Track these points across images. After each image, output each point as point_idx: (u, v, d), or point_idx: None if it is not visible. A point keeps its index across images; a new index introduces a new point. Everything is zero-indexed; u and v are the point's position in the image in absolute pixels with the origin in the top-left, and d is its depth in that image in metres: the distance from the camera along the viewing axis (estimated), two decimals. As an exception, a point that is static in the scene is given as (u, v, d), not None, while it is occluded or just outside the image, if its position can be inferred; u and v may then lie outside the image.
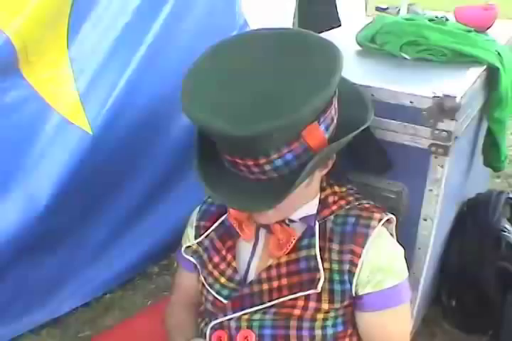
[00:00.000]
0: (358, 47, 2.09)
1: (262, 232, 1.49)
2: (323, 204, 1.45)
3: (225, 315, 1.44)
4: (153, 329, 1.75)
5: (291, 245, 1.40)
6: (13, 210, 2.18)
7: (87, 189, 2.34)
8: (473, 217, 2.25)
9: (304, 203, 1.43)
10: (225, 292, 1.47)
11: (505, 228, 2.23)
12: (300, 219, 1.44)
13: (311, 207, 1.44)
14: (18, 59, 2.06)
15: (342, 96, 1.36)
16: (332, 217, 1.43)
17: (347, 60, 2.03)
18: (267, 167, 1.22)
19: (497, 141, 2.03)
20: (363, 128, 1.34)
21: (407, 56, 1.93)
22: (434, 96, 1.53)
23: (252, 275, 1.47)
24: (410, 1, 2.71)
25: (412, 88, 1.60)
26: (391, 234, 1.49)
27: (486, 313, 2.23)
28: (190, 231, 1.63)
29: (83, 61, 2.23)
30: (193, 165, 1.31)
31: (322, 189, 1.47)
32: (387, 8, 2.84)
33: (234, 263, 1.49)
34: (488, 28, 2.23)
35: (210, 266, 1.53)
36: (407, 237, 1.73)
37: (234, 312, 1.43)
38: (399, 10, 2.70)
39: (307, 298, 1.37)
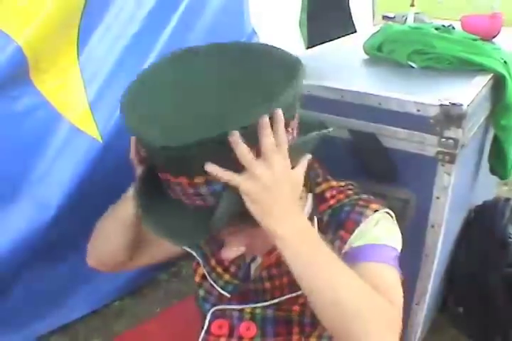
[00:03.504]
0: (365, 56, 2.10)
1: None
2: (320, 199, 1.39)
3: (229, 304, 1.44)
4: (164, 336, 1.76)
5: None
6: (23, 218, 2.19)
7: (96, 196, 2.35)
8: (480, 224, 2.25)
9: None
10: (229, 287, 1.45)
11: (513, 235, 2.24)
12: None
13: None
14: (29, 67, 2.08)
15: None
16: (330, 210, 1.36)
17: (354, 69, 2.07)
18: (203, 189, 1.09)
19: (503, 148, 2.04)
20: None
21: (413, 64, 1.94)
22: (441, 105, 1.54)
23: (252, 272, 1.45)
24: (417, 10, 2.73)
25: (418, 96, 1.61)
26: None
27: (494, 320, 2.23)
28: None
29: (93, 69, 2.25)
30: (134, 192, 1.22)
31: (317, 184, 1.41)
32: (394, 17, 2.85)
33: (237, 260, 1.44)
34: (494, 37, 2.25)
35: (213, 262, 1.49)
36: (414, 244, 1.75)
37: (238, 304, 1.43)
38: (406, 19, 2.72)
39: None
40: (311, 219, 1.34)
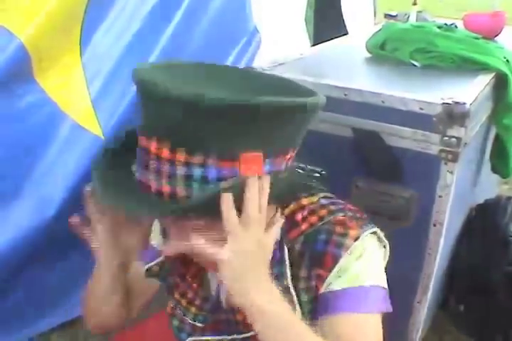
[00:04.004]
0: (368, 54, 2.11)
1: None
2: (290, 223, 1.21)
3: (202, 335, 1.37)
4: (164, 335, 1.76)
5: None
6: (26, 214, 2.19)
7: (98, 194, 2.36)
8: (481, 222, 2.26)
9: None
10: (200, 318, 1.35)
11: (514, 233, 2.24)
12: None
13: None
14: (32, 65, 2.08)
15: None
16: (302, 237, 1.20)
17: (357, 67, 2.08)
18: (180, 170, 1.00)
19: (505, 147, 2.04)
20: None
21: (416, 63, 1.95)
22: (444, 103, 1.54)
23: (223, 303, 1.32)
24: (419, 9, 2.74)
25: (422, 95, 1.62)
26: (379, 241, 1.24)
27: (495, 318, 2.23)
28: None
29: (96, 67, 2.25)
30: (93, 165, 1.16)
31: (285, 205, 1.24)
32: (396, 16, 2.86)
33: (201, 292, 1.34)
34: (496, 35, 2.25)
35: (176, 294, 1.40)
36: (416, 242, 1.75)
37: (212, 335, 1.34)
38: (408, 17, 2.73)
39: None
40: (280, 248, 1.20)
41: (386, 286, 1.20)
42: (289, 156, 1.10)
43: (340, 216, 1.21)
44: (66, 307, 2.53)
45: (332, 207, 1.24)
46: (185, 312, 1.37)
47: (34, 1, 2.02)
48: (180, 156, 0.99)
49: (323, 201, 1.25)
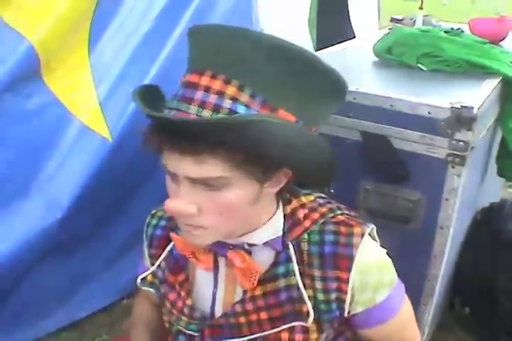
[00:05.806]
0: (375, 58, 2.12)
1: (222, 259, 1.26)
2: (293, 220, 1.21)
3: None
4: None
5: (255, 279, 1.18)
6: (34, 215, 2.20)
7: (105, 194, 2.37)
8: (487, 226, 2.26)
9: (250, 226, 1.18)
10: (193, 327, 1.31)
11: (519, 236, 2.25)
12: (264, 244, 1.20)
13: (274, 229, 1.20)
14: (41, 66, 2.09)
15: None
16: (306, 235, 1.19)
17: (365, 71, 2.09)
18: (226, 103, 0.99)
19: (511, 150, 2.05)
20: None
21: (423, 67, 1.96)
22: (452, 107, 1.56)
23: (219, 308, 1.29)
24: (425, 13, 2.75)
25: (429, 99, 1.63)
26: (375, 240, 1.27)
27: (500, 321, 2.24)
28: (146, 257, 1.44)
29: (104, 69, 2.26)
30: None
31: (287, 202, 1.23)
32: (402, 20, 2.88)
33: (188, 301, 1.30)
34: (502, 40, 2.27)
35: (167, 304, 1.35)
36: (423, 245, 1.77)
37: (213, 340, 1.30)
38: (414, 21, 2.74)
39: (292, 329, 1.20)
40: (284, 247, 1.20)
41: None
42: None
43: (339, 214, 1.23)
44: (74, 306, 2.54)
45: (330, 206, 1.25)
46: (178, 321, 1.34)
47: (43, 3, 2.03)
48: (232, 90, 0.99)
49: (320, 200, 1.27)
